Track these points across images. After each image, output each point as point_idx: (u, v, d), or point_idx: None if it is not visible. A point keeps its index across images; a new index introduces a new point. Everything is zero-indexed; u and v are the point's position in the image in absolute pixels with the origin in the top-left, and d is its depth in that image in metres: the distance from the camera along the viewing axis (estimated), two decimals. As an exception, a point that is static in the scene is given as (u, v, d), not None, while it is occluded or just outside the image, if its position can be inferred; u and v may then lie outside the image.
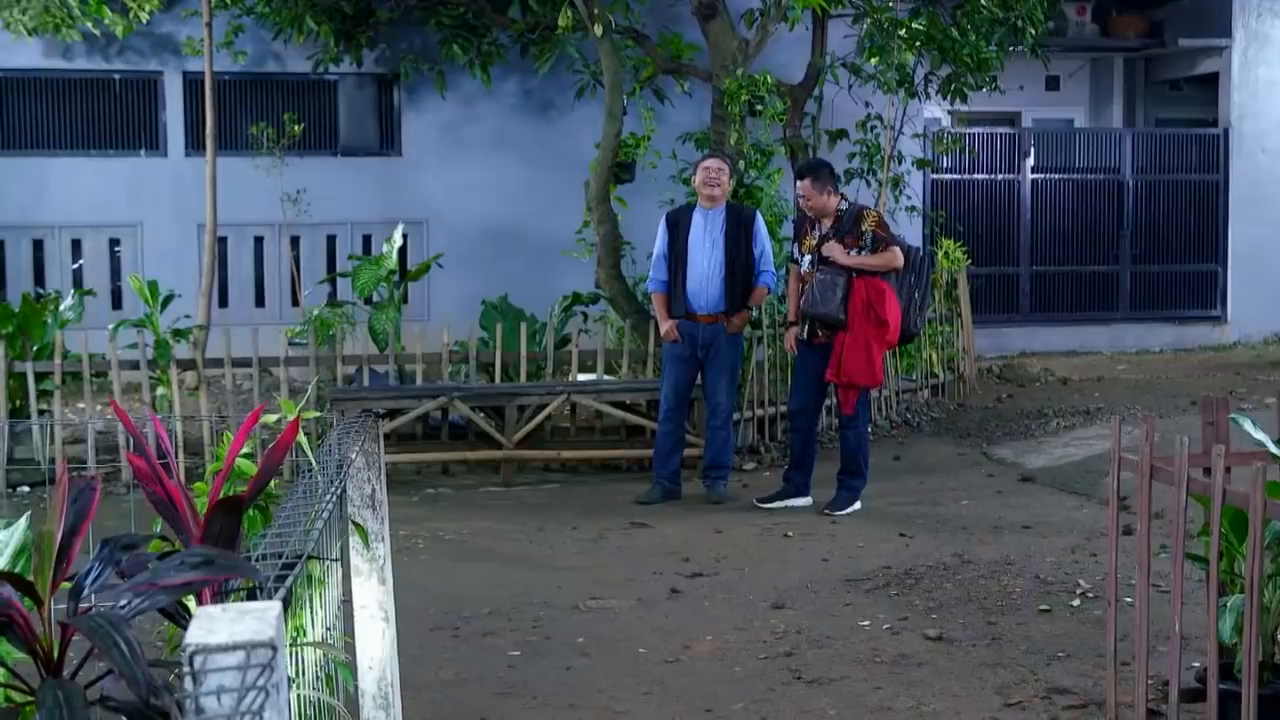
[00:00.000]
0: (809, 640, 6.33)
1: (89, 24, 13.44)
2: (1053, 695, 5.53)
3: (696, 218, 9.35)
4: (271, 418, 3.88)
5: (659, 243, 9.48)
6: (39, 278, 14.82)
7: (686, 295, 9.31)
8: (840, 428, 9.38)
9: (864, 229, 8.82)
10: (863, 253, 8.79)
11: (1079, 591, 6.97)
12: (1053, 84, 19.22)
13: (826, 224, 8.94)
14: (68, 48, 14.43)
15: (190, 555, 2.45)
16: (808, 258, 8.99)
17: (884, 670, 5.90)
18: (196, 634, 1.93)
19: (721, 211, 9.33)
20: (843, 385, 8.93)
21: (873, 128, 13.05)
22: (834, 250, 8.79)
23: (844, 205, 8.98)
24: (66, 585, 2.56)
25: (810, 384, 9.13)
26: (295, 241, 14.99)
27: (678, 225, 9.39)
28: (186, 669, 1.87)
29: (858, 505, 9.04)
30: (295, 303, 14.67)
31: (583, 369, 10.89)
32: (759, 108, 11.35)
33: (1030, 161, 17.34)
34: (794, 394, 9.38)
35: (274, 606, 2.03)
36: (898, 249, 8.84)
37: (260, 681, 1.88)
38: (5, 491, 9.57)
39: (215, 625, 1.97)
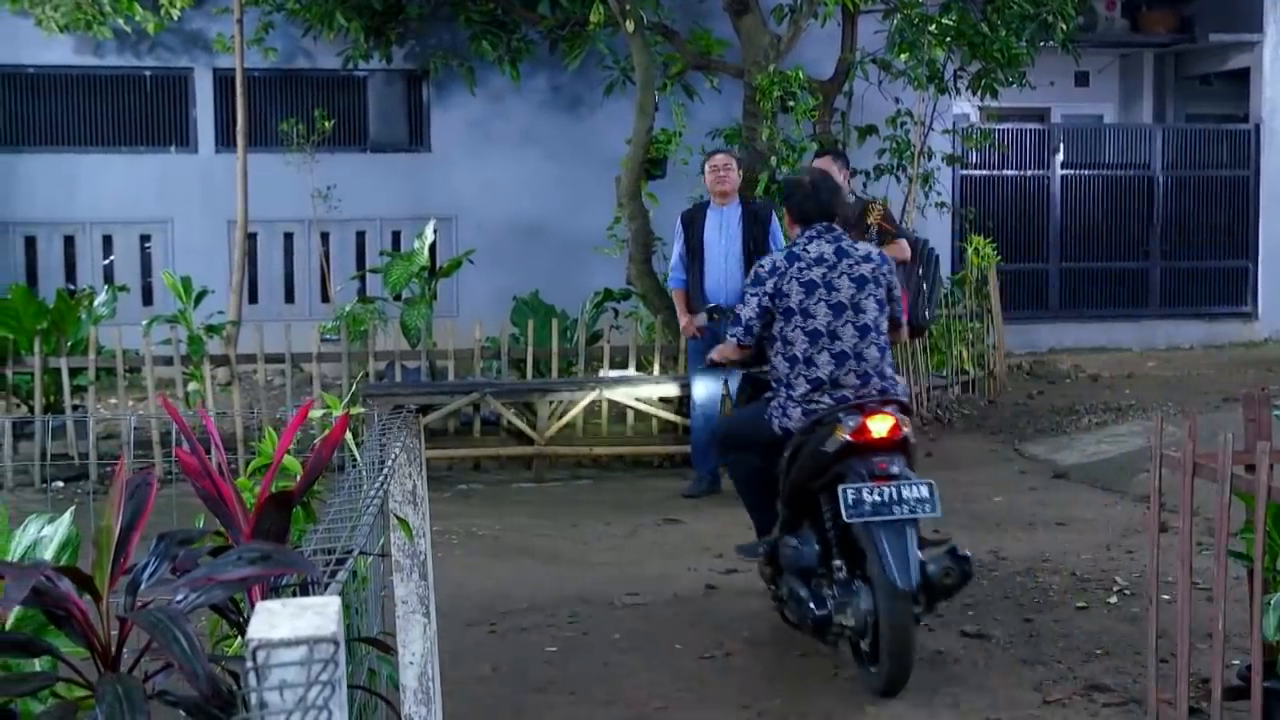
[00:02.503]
0: (845, 637, 6.31)
1: (120, 21, 13.50)
2: (1092, 693, 5.50)
3: (711, 215, 9.37)
4: (314, 414, 3.90)
5: (677, 242, 9.51)
6: (70, 274, 14.91)
7: (705, 292, 9.30)
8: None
9: (869, 223, 8.80)
10: None
11: (1116, 589, 6.94)
12: (1082, 80, 19.14)
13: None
14: (99, 44, 14.49)
15: (247, 550, 2.45)
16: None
17: (922, 667, 5.88)
18: (258, 629, 1.93)
19: (736, 207, 9.35)
20: None
21: (903, 124, 13.02)
22: None
23: (850, 199, 8.96)
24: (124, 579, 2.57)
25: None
26: (325, 237, 15.04)
27: (693, 223, 9.41)
28: (249, 664, 1.87)
29: (890, 502, 9.01)
30: (325, 299, 14.71)
31: (614, 365, 10.89)
32: (791, 104, 11.33)
33: (1060, 157, 17.25)
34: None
35: (334, 601, 2.03)
36: (904, 241, 8.81)
37: (324, 676, 1.88)
38: (41, 486, 9.62)
39: (276, 620, 1.96)
